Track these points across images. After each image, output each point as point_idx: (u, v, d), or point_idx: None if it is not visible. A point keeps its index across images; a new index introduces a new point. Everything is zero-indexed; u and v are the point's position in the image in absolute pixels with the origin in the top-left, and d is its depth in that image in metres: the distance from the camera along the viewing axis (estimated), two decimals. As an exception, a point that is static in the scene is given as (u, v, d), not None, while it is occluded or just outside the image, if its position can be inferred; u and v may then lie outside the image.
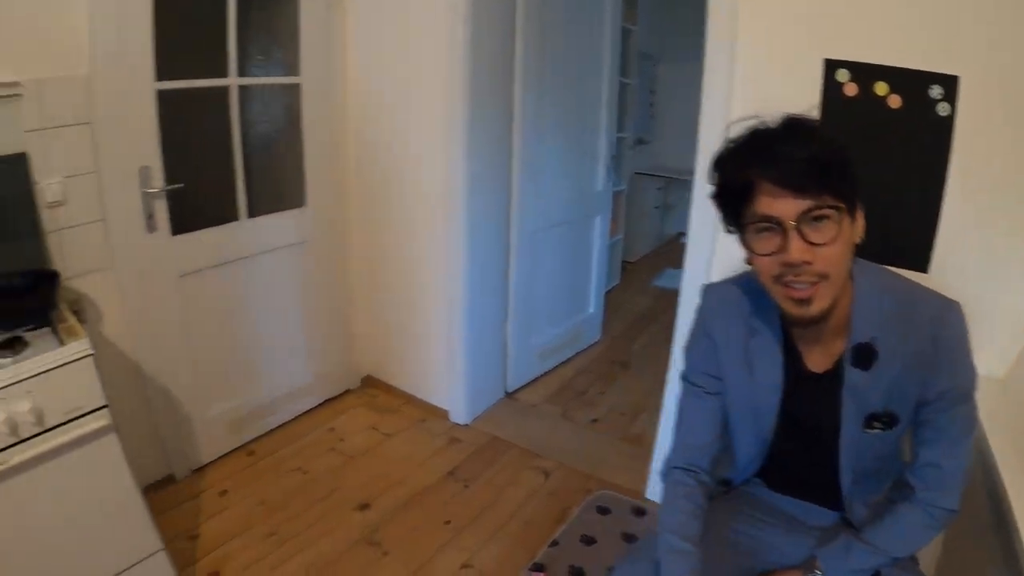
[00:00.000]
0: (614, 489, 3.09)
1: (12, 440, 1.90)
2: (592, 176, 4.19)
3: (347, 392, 3.96)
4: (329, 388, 3.86)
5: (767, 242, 1.37)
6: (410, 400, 3.86)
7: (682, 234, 7.28)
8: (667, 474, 1.75)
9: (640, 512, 2.93)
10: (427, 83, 3.19)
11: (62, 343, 2.06)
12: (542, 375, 4.17)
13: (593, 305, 4.53)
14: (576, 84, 3.83)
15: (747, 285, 1.62)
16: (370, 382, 4.04)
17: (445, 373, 3.63)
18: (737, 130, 1.44)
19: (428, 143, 3.27)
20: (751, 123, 1.42)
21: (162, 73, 2.70)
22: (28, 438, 1.93)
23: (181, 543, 2.72)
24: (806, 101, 2.14)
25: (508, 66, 3.31)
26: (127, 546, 2.27)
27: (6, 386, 1.88)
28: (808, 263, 1.32)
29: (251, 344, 3.39)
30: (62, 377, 1.98)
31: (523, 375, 4.03)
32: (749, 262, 1.47)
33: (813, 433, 1.60)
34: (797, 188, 1.30)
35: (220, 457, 3.34)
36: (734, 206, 1.43)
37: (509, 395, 3.95)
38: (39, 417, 1.93)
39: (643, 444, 3.39)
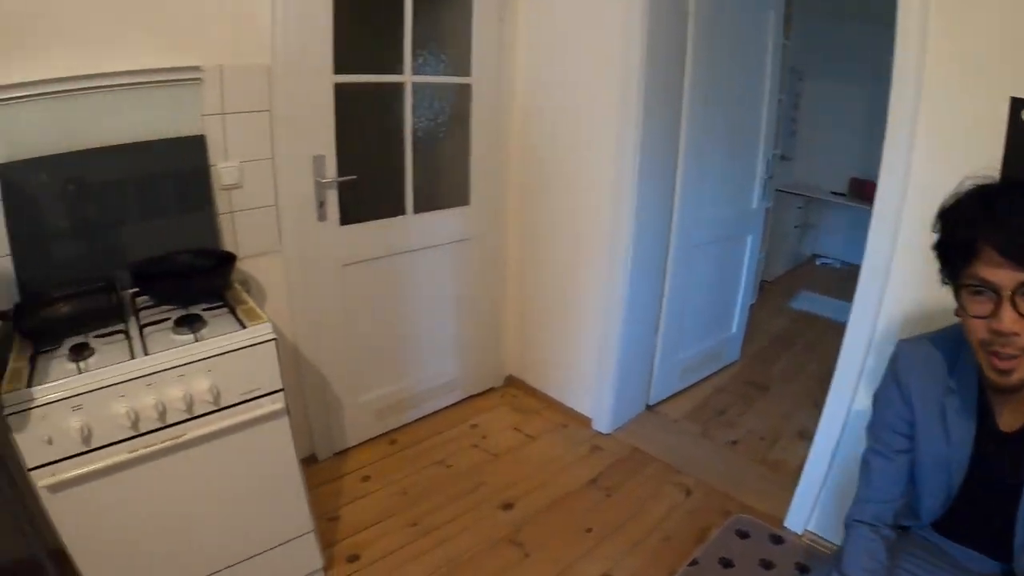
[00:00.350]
0: (753, 514, 2.92)
1: (187, 416, 1.90)
2: (748, 193, 4.00)
3: (490, 390, 3.91)
4: (473, 385, 3.81)
5: (980, 305, 1.30)
6: (552, 404, 3.77)
7: (818, 256, 7.01)
8: (850, 527, 1.72)
9: (778, 540, 2.77)
10: (597, 88, 3.07)
11: (242, 324, 2.05)
12: (682, 391, 4.01)
13: (736, 325, 4.35)
14: (738, 99, 3.66)
15: (942, 343, 1.57)
16: (512, 382, 3.98)
17: (592, 380, 3.52)
18: (969, 185, 1.37)
19: (596, 148, 3.15)
20: (983, 181, 1.35)
21: (339, 66, 2.70)
22: (203, 415, 1.93)
23: (321, 524, 2.69)
24: (991, 139, 1.98)
25: (678, 75, 3.16)
26: (281, 525, 2.27)
27: (188, 363, 1.88)
28: (1016, 335, 1.26)
29: (404, 336, 3.37)
30: (243, 359, 1.97)
31: (665, 389, 3.88)
32: (958, 315, 1.39)
33: (995, 488, 1.51)
34: (1020, 260, 1.23)
35: (363, 443, 3.33)
36: (953, 262, 1.36)
37: (650, 408, 3.81)
38: (216, 396, 1.93)
39: (782, 471, 3.23)
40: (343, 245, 2.93)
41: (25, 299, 2.16)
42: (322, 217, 2.79)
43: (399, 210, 3.12)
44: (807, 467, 2.75)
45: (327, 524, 2.76)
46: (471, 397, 3.81)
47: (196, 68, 2.38)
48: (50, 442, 1.72)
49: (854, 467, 1.79)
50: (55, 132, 2.15)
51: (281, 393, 2.07)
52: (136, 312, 2.18)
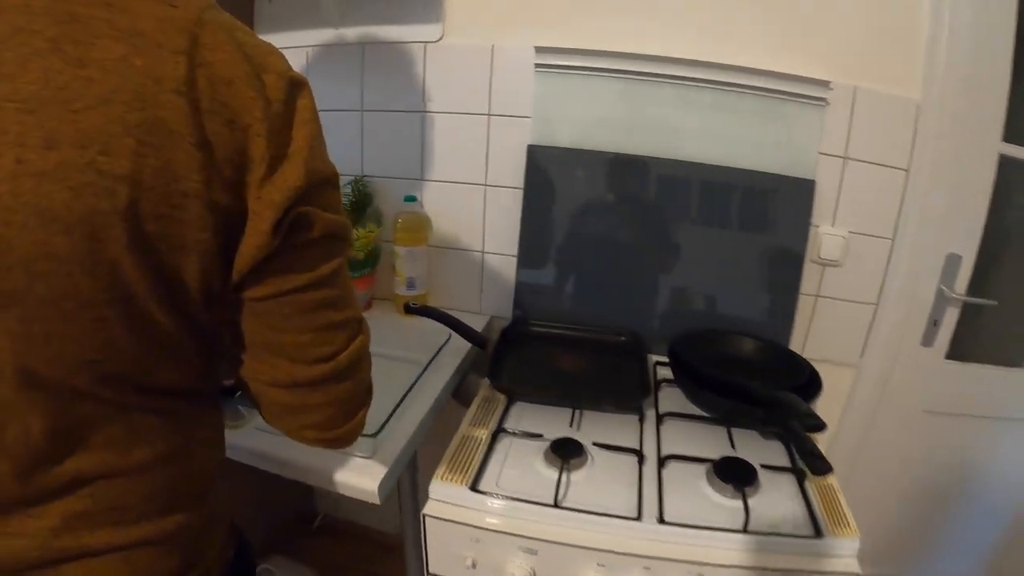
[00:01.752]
0: None
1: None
2: None
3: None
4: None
5: None
6: None
7: None
8: None
9: None
10: None
11: (815, 521, 1.09)
12: None
13: None
14: None
15: None
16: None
17: None
18: None
19: None
20: None
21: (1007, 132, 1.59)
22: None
23: None
24: None
25: None
26: None
27: (712, 565, 1.02)
28: None
29: (936, 520, 2.04)
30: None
31: None
32: None
33: None
34: None
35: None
36: None
37: None
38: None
39: None
40: (937, 385, 1.81)
41: (516, 327, 1.58)
42: (927, 341, 1.72)
43: (1015, 360, 1.86)
44: None
45: None
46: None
47: (824, 84, 1.50)
48: (473, 567, 1.09)
49: None
50: (613, 123, 1.62)
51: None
52: (659, 415, 1.37)
